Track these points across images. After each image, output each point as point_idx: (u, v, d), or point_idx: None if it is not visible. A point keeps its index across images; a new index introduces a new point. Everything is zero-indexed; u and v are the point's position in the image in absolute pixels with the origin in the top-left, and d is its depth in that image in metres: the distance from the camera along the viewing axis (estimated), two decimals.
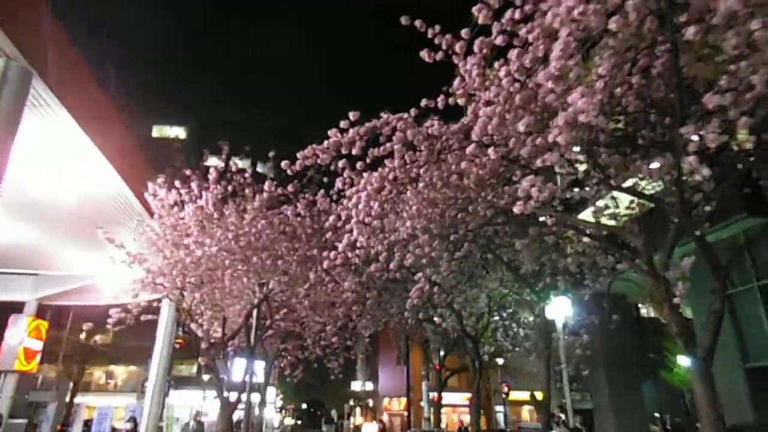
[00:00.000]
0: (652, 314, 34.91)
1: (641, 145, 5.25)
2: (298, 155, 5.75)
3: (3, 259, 15.54)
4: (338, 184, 7.02)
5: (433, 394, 37.19)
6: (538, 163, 4.85)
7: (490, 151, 4.95)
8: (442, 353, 20.53)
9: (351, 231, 6.99)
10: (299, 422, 64.78)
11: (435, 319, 14.84)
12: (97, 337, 40.73)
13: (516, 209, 5.11)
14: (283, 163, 5.85)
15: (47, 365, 38.33)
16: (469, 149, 5.27)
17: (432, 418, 18.56)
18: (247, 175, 9.99)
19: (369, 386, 52.13)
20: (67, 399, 34.55)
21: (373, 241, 7.30)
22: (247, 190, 9.77)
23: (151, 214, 9.57)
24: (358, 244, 7.09)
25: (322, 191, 10.46)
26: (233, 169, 10.06)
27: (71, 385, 36.54)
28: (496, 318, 13.86)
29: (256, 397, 17.86)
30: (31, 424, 23.76)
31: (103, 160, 8.79)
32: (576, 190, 6.52)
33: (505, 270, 11.40)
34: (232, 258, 9.08)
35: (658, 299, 5.75)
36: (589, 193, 6.33)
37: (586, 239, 8.60)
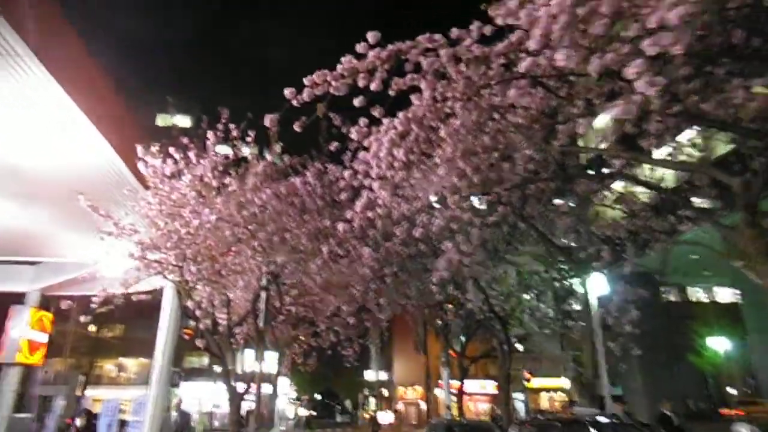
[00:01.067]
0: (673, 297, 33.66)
1: (745, 58, 4.06)
2: (306, 81, 4.59)
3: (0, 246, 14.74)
4: (354, 133, 5.89)
5: (451, 382, 36.29)
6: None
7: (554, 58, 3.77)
8: (462, 339, 19.44)
9: (370, 188, 5.88)
10: (314, 413, 64.28)
11: (459, 299, 13.77)
12: (107, 330, 40.31)
13: (579, 129, 3.95)
14: (287, 91, 4.70)
15: (58, 359, 37.98)
16: (524, 65, 4.10)
17: (453, 407, 17.53)
18: (249, 139, 8.90)
19: (383, 376, 51.29)
20: (78, 392, 34.07)
21: (396, 201, 6.19)
22: (249, 156, 8.70)
23: (146, 187, 8.53)
24: (379, 202, 5.97)
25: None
26: (234, 134, 8.97)
27: (82, 378, 36.04)
28: (527, 297, 12.73)
29: (267, 388, 16.98)
30: (39, 417, 23.07)
31: (89, 125, 7.79)
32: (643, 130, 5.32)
33: (539, 239, 10.24)
34: (235, 231, 8.01)
35: (755, 254, 4.59)
36: (660, 130, 5.14)
37: (642, 198, 7.45)
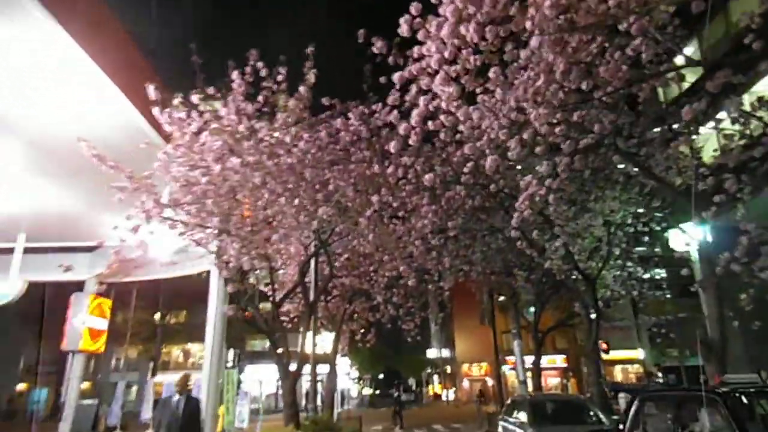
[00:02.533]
0: None
1: None
2: None
3: (50, 232, 14.35)
4: (403, 27, 4.38)
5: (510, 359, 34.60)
6: None
7: None
8: (532, 310, 17.71)
9: (427, 92, 4.39)
10: (377, 392, 64.13)
11: (532, 260, 12.12)
12: (172, 317, 41.22)
13: None
14: None
15: (128, 347, 39.17)
16: None
17: (529, 382, 15.94)
18: (281, 77, 7.54)
19: (445, 353, 50.08)
20: (148, 378, 34.80)
21: (464, 111, 4.63)
22: (282, 98, 7.35)
23: (167, 140, 7.39)
24: (441, 108, 4.46)
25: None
26: (263, 74, 7.64)
27: (151, 364, 36.92)
28: (617, 251, 10.86)
29: (325, 368, 16.02)
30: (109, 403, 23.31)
31: (100, 73, 6.71)
32: None
33: (629, 181, 8.48)
34: (266, 180, 6.72)
35: None
36: None
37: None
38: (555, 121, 5.17)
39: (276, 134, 6.83)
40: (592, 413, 8.44)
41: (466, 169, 7.65)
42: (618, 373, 39.08)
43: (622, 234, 11.38)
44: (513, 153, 5.46)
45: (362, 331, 16.50)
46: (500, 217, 11.12)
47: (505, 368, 39.55)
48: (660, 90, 10.35)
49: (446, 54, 3.98)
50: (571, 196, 7.80)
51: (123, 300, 28.03)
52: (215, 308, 13.46)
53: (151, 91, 6.51)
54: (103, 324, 18.31)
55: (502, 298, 26.39)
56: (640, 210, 10.16)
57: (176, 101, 7.25)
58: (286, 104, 6.96)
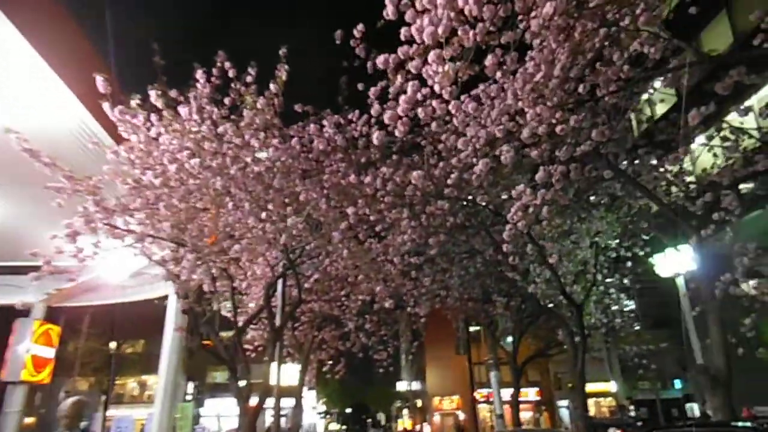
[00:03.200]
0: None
1: None
2: None
3: None
4: (389, 8, 3.83)
5: (482, 392, 33.71)
6: None
7: None
8: (509, 339, 17.06)
9: (416, 78, 3.81)
10: (344, 427, 61.89)
11: (513, 285, 11.56)
12: (128, 346, 38.87)
13: None
14: None
15: (77, 378, 36.67)
16: None
17: (506, 415, 15.16)
18: (250, 79, 6.90)
19: (416, 386, 48.75)
20: (99, 412, 32.52)
21: (457, 105, 4.06)
22: (249, 96, 6.68)
23: (118, 141, 6.61)
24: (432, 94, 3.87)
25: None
26: (231, 75, 6.99)
27: (103, 397, 34.59)
28: (599, 276, 10.35)
29: (289, 402, 14.97)
30: None
31: (51, 74, 6.00)
32: None
33: (616, 201, 8.09)
34: (228, 186, 5.99)
35: None
36: None
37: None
38: (554, 121, 4.67)
39: (243, 137, 6.12)
40: None
41: (450, 181, 7.11)
42: (590, 407, 38.55)
43: (604, 259, 10.99)
44: (506, 157, 4.92)
45: (330, 361, 15.54)
46: (480, 238, 10.58)
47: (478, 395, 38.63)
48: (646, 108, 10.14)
49: (440, 29, 3.42)
50: (563, 211, 7.33)
51: (73, 327, 26.25)
52: (171, 336, 12.44)
53: (100, 83, 5.75)
54: (49, 353, 16.84)
55: (477, 327, 25.73)
56: (623, 233, 9.77)
57: (134, 103, 6.51)
58: (254, 102, 6.29)
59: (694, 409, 42.74)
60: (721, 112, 5.26)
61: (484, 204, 7.78)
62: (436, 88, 3.66)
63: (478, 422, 33.44)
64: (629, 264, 10.86)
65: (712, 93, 4.95)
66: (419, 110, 3.94)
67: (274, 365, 10.32)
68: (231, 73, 6.94)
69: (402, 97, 3.85)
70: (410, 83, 3.83)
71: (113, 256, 10.00)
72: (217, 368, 37.87)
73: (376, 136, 4.19)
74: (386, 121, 4.01)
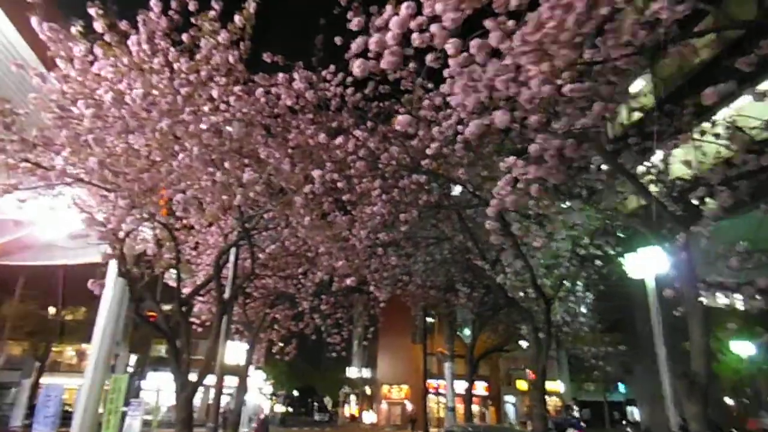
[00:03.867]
0: None
1: None
2: None
3: None
4: None
5: (436, 383, 33.65)
6: None
7: None
8: (467, 332, 16.71)
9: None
10: (290, 410, 61.20)
11: (478, 275, 11.08)
12: (69, 313, 36.78)
13: None
14: None
15: (12, 342, 34.56)
16: None
17: (457, 408, 14.80)
18: (213, 14, 6.02)
19: (366, 373, 48.43)
20: (32, 379, 30.78)
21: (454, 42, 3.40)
22: (207, 23, 5.78)
23: (49, 67, 5.63)
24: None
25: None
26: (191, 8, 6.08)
27: (36, 364, 32.76)
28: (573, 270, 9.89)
29: (233, 381, 14.18)
30: None
31: None
32: None
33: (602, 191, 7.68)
34: (175, 127, 5.16)
35: None
36: None
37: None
38: (560, 82, 4.09)
39: (199, 73, 5.28)
40: None
41: (429, 151, 6.48)
42: None
43: (571, 256, 10.61)
44: (501, 120, 4.30)
45: (281, 342, 14.79)
46: (451, 223, 10.02)
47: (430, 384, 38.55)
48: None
49: None
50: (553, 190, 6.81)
51: (6, 287, 24.48)
52: (109, 304, 11.45)
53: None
54: None
55: (431, 319, 25.39)
56: (597, 229, 9.38)
57: (75, 30, 5.56)
58: (214, 32, 5.44)
59: (634, 413, 44.22)
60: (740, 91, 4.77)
61: (461, 183, 7.18)
62: (438, 7, 2.98)
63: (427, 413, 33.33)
64: (598, 263, 10.51)
65: (724, 73, 4.47)
66: (414, 36, 3.25)
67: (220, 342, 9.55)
68: (192, 6, 6.05)
69: (394, 20, 3.16)
70: (405, 4, 3.14)
71: (46, 212, 9.03)
72: (162, 341, 36.18)
73: (357, 65, 3.47)
74: (372, 47, 3.31)
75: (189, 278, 10.61)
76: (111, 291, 11.21)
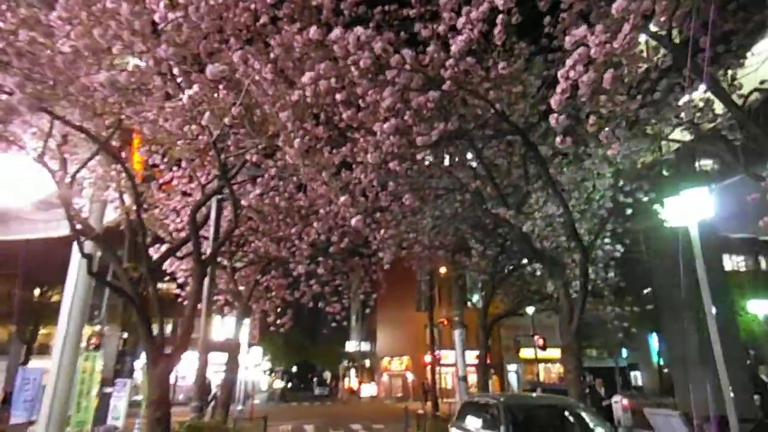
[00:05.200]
0: None
1: None
2: None
3: None
4: None
5: (438, 353, 32.72)
6: None
7: None
8: (476, 298, 15.47)
9: None
10: (289, 385, 60.65)
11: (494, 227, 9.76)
12: (56, 294, 35.36)
13: None
14: None
15: None
16: None
17: (469, 378, 13.68)
18: None
19: (365, 347, 47.62)
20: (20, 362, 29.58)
21: None
22: None
23: None
24: None
25: None
26: None
27: (24, 347, 31.58)
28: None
29: (222, 357, 12.97)
30: None
31: None
32: None
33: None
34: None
35: None
36: None
37: None
38: None
39: None
40: (591, 423, 6.19)
41: (450, 62, 5.09)
42: (541, 373, 38.51)
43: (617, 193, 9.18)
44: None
45: (278, 310, 13.48)
46: (464, 169, 8.64)
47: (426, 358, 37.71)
48: None
49: None
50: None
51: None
52: (76, 275, 10.06)
53: None
54: None
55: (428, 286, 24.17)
56: (638, 170, 8.05)
57: None
58: None
59: (638, 378, 43.82)
60: None
61: (488, 101, 5.78)
62: None
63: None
64: (628, 211, 9.20)
65: None
66: None
67: (200, 308, 8.27)
68: None
69: None
70: None
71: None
72: (154, 320, 34.90)
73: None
74: None
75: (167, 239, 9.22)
76: (77, 263, 9.84)
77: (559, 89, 3.42)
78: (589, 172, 7.33)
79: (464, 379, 13.01)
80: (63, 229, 11.99)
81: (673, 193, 9.31)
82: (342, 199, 4.98)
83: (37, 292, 32.92)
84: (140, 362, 32.61)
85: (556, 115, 3.65)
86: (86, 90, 4.00)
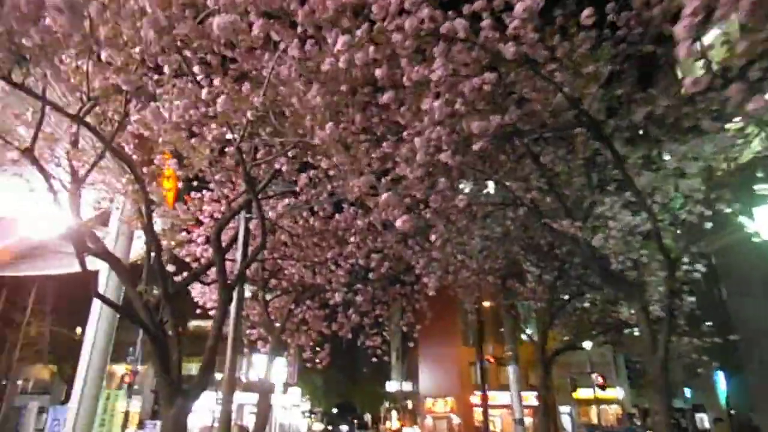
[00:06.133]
0: None
1: None
2: None
3: None
4: None
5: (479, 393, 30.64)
6: None
7: None
8: (528, 331, 14.10)
9: None
10: (329, 428, 58.69)
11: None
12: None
13: None
14: None
15: (38, 366, 33.43)
16: None
17: (534, 420, 12.22)
18: None
19: (407, 387, 45.65)
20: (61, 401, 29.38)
21: None
22: None
23: None
24: None
25: None
26: None
27: (65, 387, 31.44)
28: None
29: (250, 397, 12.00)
30: None
31: None
32: None
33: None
34: None
35: None
36: None
37: None
38: None
39: None
40: None
41: (511, 29, 4.29)
42: (594, 415, 35.72)
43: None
44: None
45: (312, 345, 12.51)
46: (515, 174, 7.64)
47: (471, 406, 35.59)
48: None
49: None
50: None
51: (15, 304, 22.89)
52: (99, 311, 9.43)
53: None
54: None
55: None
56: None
57: None
58: None
59: (704, 420, 40.08)
60: None
61: (556, 84, 4.86)
62: None
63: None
64: (709, 225, 7.91)
65: None
66: None
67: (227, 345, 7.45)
68: None
69: None
70: None
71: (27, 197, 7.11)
72: (192, 359, 34.44)
73: None
74: None
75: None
76: (104, 285, 9.21)
77: (689, 7, 2.45)
78: (669, 177, 6.19)
79: (521, 422, 11.59)
80: (91, 264, 11.50)
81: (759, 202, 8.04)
82: (384, 196, 4.09)
83: (79, 330, 33.04)
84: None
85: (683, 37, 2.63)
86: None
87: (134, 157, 5.84)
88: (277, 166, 6.34)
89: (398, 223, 4.00)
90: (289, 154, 6.09)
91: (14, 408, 28.87)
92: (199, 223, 8.98)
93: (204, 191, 8.33)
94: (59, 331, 30.11)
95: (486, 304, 15.97)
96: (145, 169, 6.04)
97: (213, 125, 4.86)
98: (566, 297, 11.40)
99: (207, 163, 5.78)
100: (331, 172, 6.14)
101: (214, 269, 7.23)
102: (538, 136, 7.13)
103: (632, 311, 9.01)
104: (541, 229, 9.29)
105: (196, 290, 10.64)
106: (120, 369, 36.50)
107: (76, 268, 11.10)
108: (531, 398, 34.95)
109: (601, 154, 7.49)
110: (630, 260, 7.00)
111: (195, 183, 7.91)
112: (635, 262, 7.00)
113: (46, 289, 23.73)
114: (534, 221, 8.19)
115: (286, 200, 8.05)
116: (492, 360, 28.80)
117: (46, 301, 24.65)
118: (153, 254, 5.65)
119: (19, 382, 35.10)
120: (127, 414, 18.88)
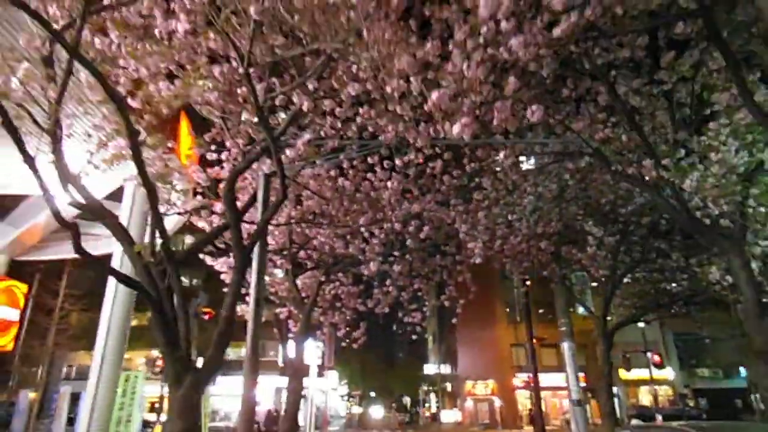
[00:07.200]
0: None
1: None
2: None
3: None
4: None
5: (522, 376, 29.05)
6: None
7: None
8: (581, 308, 12.78)
9: None
10: (369, 411, 58.49)
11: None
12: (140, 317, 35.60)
13: None
14: None
15: (81, 353, 33.96)
16: None
17: (592, 399, 11.06)
18: None
19: (445, 370, 44.71)
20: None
21: None
22: None
23: None
24: None
25: None
26: None
27: None
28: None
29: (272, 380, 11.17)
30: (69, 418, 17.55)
31: None
32: None
33: None
34: None
35: None
36: None
37: None
38: None
39: None
40: None
41: None
42: (643, 396, 33.93)
43: None
44: None
45: (347, 327, 11.60)
46: (584, 122, 6.41)
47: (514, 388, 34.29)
48: None
49: None
50: None
51: (48, 288, 22.72)
52: (114, 291, 8.78)
53: None
54: (13, 314, 13.93)
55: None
56: None
57: None
58: None
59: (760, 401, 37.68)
60: None
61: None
62: None
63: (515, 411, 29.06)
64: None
65: None
66: None
67: (247, 310, 6.57)
68: None
69: None
70: None
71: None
72: (235, 343, 33.96)
73: None
74: None
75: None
76: (114, 281, 8.53)
77: None
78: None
79: (579, 403, 10.42)
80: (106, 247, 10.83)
81: None
82: (435, 94, 2.99)
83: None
84: (215, 388, 31.86)
85: None
86: None
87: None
88: (297, 103, 5.31)
89: (455, 129, 2.93)
90: (310, 87, 5.04)
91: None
92: (219, 196, 8.14)
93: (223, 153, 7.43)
94: (93, 317, 30.07)
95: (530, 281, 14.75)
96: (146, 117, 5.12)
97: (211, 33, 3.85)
98: (632, 263, 10.06)
99: (211, 95, 4.78)
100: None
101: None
102: (607, 64, 5.88)
103: (717, 273, 7.64)
104: (601, 185, 8.05)
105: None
106: (154, 353, 36.76)
107: (105, 250, 10.39)
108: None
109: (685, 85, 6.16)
110: (727, 208, 5.71)
111: (213, 147, 7.05)
112: (735, 209, 5.70)
113: (78, 274, 23.60)
114: (600, 171, 6.94)
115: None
116: (536, 341, 27.49)
117: (78, 285, 24.52)
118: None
119: (64, 369, 35.86)
120: (161, 399, 18.55)
